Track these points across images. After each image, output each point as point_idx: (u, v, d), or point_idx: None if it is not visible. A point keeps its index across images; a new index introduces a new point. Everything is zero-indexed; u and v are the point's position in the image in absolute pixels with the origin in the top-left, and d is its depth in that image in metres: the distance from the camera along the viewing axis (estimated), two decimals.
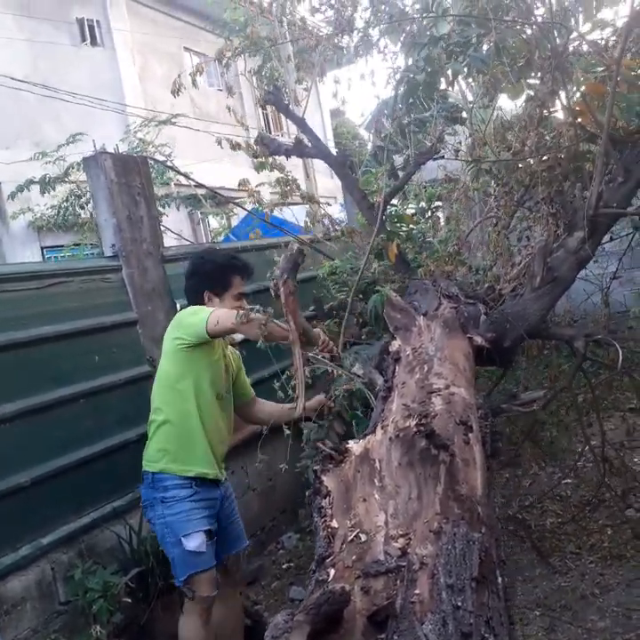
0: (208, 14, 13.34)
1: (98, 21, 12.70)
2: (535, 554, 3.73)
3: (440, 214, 5.33)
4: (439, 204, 5.33)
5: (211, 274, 3.04)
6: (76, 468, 3.37)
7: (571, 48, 3.29)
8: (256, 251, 5.15)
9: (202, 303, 3.00)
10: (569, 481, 4.56)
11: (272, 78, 6.84)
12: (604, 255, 4.95)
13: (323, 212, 5.08)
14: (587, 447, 3.91)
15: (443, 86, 3.59)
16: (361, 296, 4.33)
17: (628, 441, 3.90)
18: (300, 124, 4.04)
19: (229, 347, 3.28)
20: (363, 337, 4.44)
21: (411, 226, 4.54)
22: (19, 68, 10.58)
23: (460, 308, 2.73)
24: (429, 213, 5.20)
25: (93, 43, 12.71)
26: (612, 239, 3.88)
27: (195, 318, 2.83)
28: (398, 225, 4.44)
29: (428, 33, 3.68)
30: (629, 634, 2.98)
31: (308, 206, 5.00)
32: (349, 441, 1.59)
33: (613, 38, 3.19)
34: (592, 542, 3.77)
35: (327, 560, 1.20)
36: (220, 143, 4.52)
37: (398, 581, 1.08)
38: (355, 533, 1.23)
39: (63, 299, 3.55)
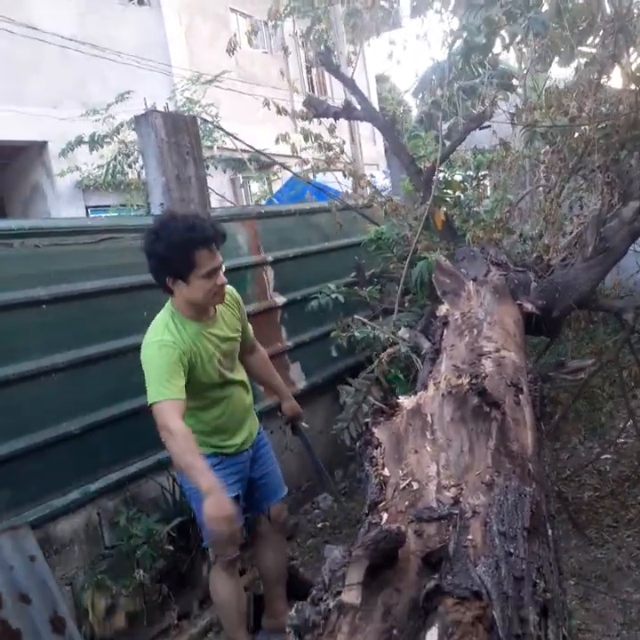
0: None
1: None
2: (571, 525, 3.74)
3: (487, 182, 5.25)
4: (486, 173, 5.25)
5: (165, 256, 2.49)
6: (123, 419, 3.46)
7: (635, 10, 3.17)
8: (300, 214, 5.17)
9: (167, 289, 2.63)
10: (608, 456, 4.54)
11: (321, 40, 6.76)
12: None
13: (366, 181, 5.03)
14: (629, 422, 3.88)
15: (498, 50, 3.49)
16: (404, 263, 4.32)
17: None
18: (350, 85, 4.00)
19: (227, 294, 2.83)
20: (405, 305, 4.44)
21: (458, 193, 4.48)
22: (66, 27, 10.62)
23: (509, 274, 2.71)
24: (477, 181, 5.13)
25: (140, 2, 12.68)
26: None
27: (147, 385, 2.52)
28: (446, 191, 4.39)
29: None
30: None
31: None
32: (400, 396, 1.62)
33: None
34: (630, 517, 3.76)
35: (379, 505, 1.24)
36: (267, 105, 4.50)
37: (451, 527, 1.11)
38: (407, 482, 1.26)
39: (113, 254, 3.62)
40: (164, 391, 2.46)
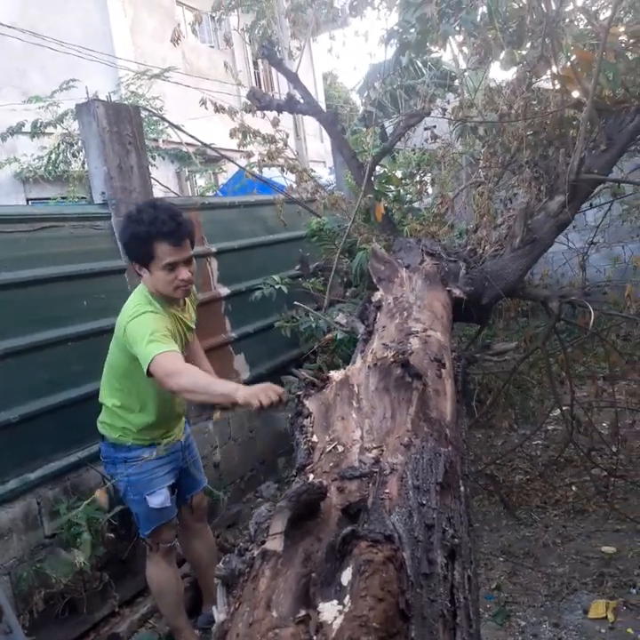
0: None
1: None
2: (503, 507, 3.92)
3: (428, 179, 5.40)
4: (429, 171, 5.40)
5: (129, 243, 2.60)
6: (62, 409, 3.45)
7: (563, 15, 3.34)
8: (244, 207, 5.21)
9: (136, 272, 2.70)
10: (539, 442, 4.75)
11: (265, 35, 6.80)
12: (586, 229, 5.07)
13: (308, 175, 5.10)
14: (557, 410, 4.08)
15: (434, 47, 3.62)
16: (346, 255, 4.42)
17: (596, 402, 4.06)
18: (293, 79, 4.07)
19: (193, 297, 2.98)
20: (346, 295, 4.55)
21: (398, 188, 4.60)
22: (6, 14, 10.35)
23: (441, 263, 2.83)
24: (417, 178, 5.27)
25: None
26: (592, 206, 3.99)
27: (138, 355, 2.48)
28: (386, 186, 4.50)
29: None
30: (586, 579, 3.18)
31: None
32: (331, 371, 1.70)
33: (602, 5, 3.24)
34: (557, 497, 3.97)
35: (307, 468, 1.31)
36: (204, 104, 4.52)
37: (371, 484, 1.19)
38: (333, 445, 1.34)
39: (53, 243, 3.60)
40: (158, 346, 2.41)
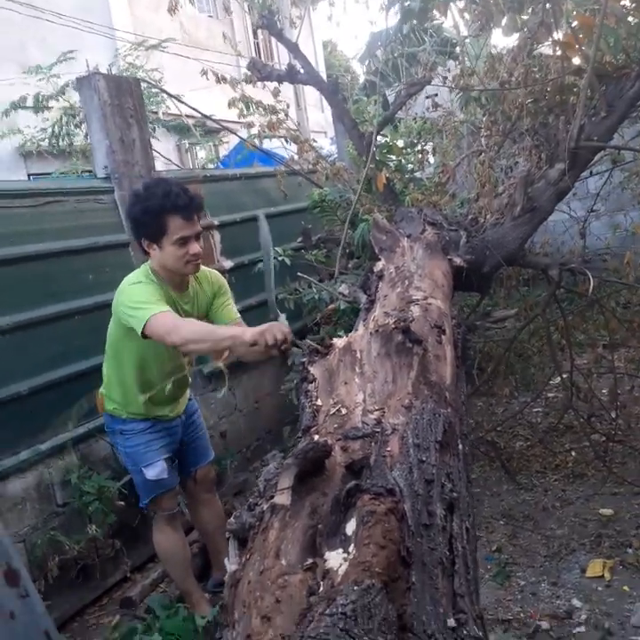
0: None
1: None
2: (503, 472, 4.00)
3: (429, 148, 5.39)
4: (431, 140, 5.38)
5: (140, 219, 2.57)
6: (71, 381, 3.51)
7: None
8: (246, 179, 5.21)
9: (144, 250, 2.68)
10: (540, 409, 4.82)
11: (265, 4, 6.72)
12: (588, 197, 5.07)
13: (309, 145, 5.09)
14: (557, 377, 4.13)
15: (436, 16, 3.60)
16: (349, 226, 4.44)
17: (595, 369, 4.11)
18: (293, 49, 4.05)
19: (206, 272, 2.93)
20: (349, 267, 4.58)
21: (400, 157, 4.60)
22: None
23: (442, 233, 2.86)
24: (419, 147, 5.26)
25: None
26: (592, 174, 3.99)
27: (131, 320, 2.49)
28: (388, 155, 4.50)
29: None
30: (584, 540, 3.27)
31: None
32: (334, 338, 1.75)
33: None
34: (557, 462, 4.04)
35: (312, 429, 1.37)
36: (205, 74, 4.50)
37: (373, 443, 1.25)
38: (336, 408, 1.39)
39: (58, 217, 3.62)
40: (153, 308, 2.42)
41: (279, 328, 2.10)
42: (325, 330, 4.38)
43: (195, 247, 2.58)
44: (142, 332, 2.41)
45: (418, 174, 5.10)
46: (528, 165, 3.07)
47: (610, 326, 3.75)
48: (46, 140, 8.62)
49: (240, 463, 4.64)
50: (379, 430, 1.28)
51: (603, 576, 2.96)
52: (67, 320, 3.56)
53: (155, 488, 2.93)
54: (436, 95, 5.24)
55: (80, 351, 3.58)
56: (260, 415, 4.98)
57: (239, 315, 2.96)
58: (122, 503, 3.46)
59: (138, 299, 2.50)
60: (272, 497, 1.11)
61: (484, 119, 3.62)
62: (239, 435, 4.76)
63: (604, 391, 4.58)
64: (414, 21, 3.72)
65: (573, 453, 4.09)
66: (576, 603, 2.85)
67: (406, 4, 3.31)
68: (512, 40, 3.94)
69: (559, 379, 4.11)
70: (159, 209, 2.50)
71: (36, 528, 3.26)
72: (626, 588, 2.87)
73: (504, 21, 3.85)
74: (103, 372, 2.98)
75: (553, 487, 3.80)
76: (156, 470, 2.88)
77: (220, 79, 4.14)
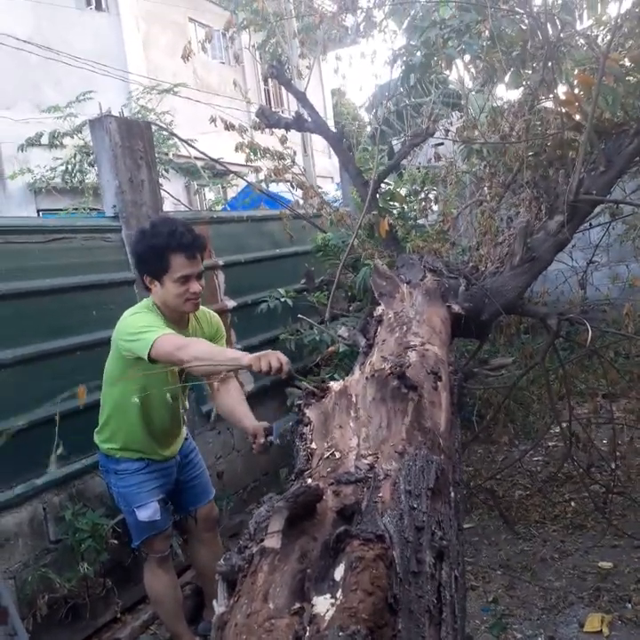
0: None
1: None
2: (502, 521, 3.96)
3: (432, 197, 5.49)
4: (434, 188, 5.49)
5: (144, 255, 2.64)
6: (70, 416, 3.51)
7: (564, 40, 3.43)
8: (252, 221, 5.30)
9: (146, 287, 2.73)
10: (540, 458, 4.80)
11: (275, 54, 6.93)
12: (590, 248, 5.14)
13: (314, 191, 5.19)
14: (558, 426, 4.12)
15: (440, 70, 3.72)
16: (350, 270, 4.50)
17: (594, 418, 4.11)
18: (301, 98, 4.17)
19: (206, 313, 2.98)
20: (350, 309, 4.62)
21: (402, 205, 4.69)
22: (22, 29, 10.56)
23: (442, 280, 2.90)
24: (423, 195, 5.36)
25: (98, 7, 12.69)
26: (591, 226, 4.06)
27: (135, 344, 2.51)
28: (391, 203, 4.59)
29: (432, 17, 3.82)
30: (582, 593, 3.22)
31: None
32: (331, 382, 1.77)
33: (604, 32, 3.33)
34: (556, 513, 4.01)
35: (305, 472, 1.38)
36: (214, 122, 4.62)
37: (365, 488, 1.26)
38: (330, 452, 1.41)
39: (65, 254, 3.68)
40: (157, 330, 2.46)
41: (276, 356, 2.15)
42: (325, 371, 4.41)
43: (195, 286, 2.64)
44: (149, 355, 2.42)
45: (421, 221, 5.19)
46: (528, 216, 3.13)
47: (609, 377, 3.76)
48: (57, 178, 8.80)
49: (236, 505, 4.60)
50: (371, 476, 1.29)
51: (601, 631, 2.91)
52: (68, 355, 3.58)
53: (147, 529, 2.91)
54: (442, 144, 5.36)
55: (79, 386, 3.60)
56: (258, 456, 4.92)
57: None
58: (115, 542, 3.43)
59: (141, 324, 2.55)
60: (262, 540, 1.11)
61: (485, 171, 3.70)
62: (236, 475, 4.73)
63: (604, 441, 4.56)
64: (417, 76, 3.82)
65: (573, 504, 4.06)
66: None
67: (408, 59, 3.42)
68: (516, 93, 4.07)
69: (560, 427, 4.09)
70: (164, 247, 2.56)
71: (27, 565, 3.22)
72: None
73: (508, 77, 3.98)
74: (100, 411, 2.98)
75: (552, 538, 3.76)
76: (148, 511, 2.86)
77: (229, 126, 4.26)
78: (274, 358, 2.13)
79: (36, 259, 3.54)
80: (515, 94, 4.23)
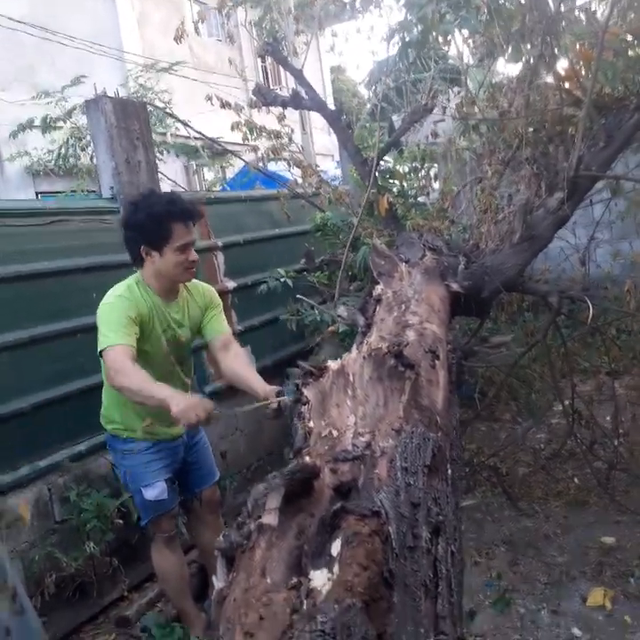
0: None
1: None
2: (505, 498, 3.99)
3: (432, 174, 5.45)
4: (434, 166, 5.45)
5: (145, 224, 2.60)
6: (72, 398, 3.54)
7: (563, 14, 3.38)
8: (250, 201, 5.29)
9: (139, 258, 2.69)
10: (543, 435, 4.81)
11: (272, 30, 6.86)
12: (593, 225, 5.10)
13: (312, 169, 5.16)
14: (560, 404, 4.13)
15: (438, 46, 3.68)
16: (350, 249, 4.49)
17: (596, 395, 4.12)
18: (298, 75, 4.13)
19: (198, 285, 2.98)
20: (350, 289, 4.62)
21: (402, 182, 4.66)
22: (16, 10, 10.43)
23: (441, 258, 2.90)
24: (423, 173, 5.32)
25: None
26: (591, 203, 4.04)
27: (100, 335, 2.54)
28: (391, 181, 4.56)
29: None
30: (585, 568, 3.25)
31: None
32: (329, 361, 1.78)
33: (603, 6, 3.28)
34: (559, 489, 4.03)
35: (303, 451, 1.40)
36: (210, 100, 4.59)
37: (362, 466, 1.27)
38: (328, 431, 1.42)
39: (63, 236, 3.69)
40: (114, 337, 2.49)
41: (202, 407, 2.28)
42: (326, 350, 4.42)
43: (193, 254, 2.68)
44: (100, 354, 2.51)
45: (422, 199, 5.16)
46: (527, 194, 3.12)
47: (611, 354, 3.76)
48: (53, 161, 8.76)
49: (240, 484, 4.64)
50: (368, 453, 1.30)
51: (603, 605, 2.94)
52: (69, 337, 3.60)
53: (154, 509, 2.93)
54: (443, 120, 5.31)
55: (81, 368, 3.62)
56: (261, 436, 4.99)
57: (229, 328, 3.01)
58: (120, 521, 3.48)
59: (107, 320, 2.55)
60: (260, 517, 1.13)
61: (485, 147, 3.67)
62: (240, 455, 4.77)
63: (607, 418, 4.58)
64: (413, 52, 3.78)
65: (576, 480, 4.08)
66: (576, 632, 2.83)
67: (404, 35, 3.38)
68: (516, 68, 4.02)
69: (562, 405, 4.11)
70: (166, 215, 2.57)
71: (33, 544, 3.27)
72: (627, 618, 2.85)
73: (508, 52, 3.94)
74: (103, 392, 2.98)
75: (554, 514, 3.79)
76: (155, 491, 2.88)
77: (225, 105, 4.23)
78: (200, 411, 2.23)
79: (34, 241, 3.54)
80: (515, 69, 4.20)
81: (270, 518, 1.11)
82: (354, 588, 0.94)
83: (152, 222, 2.58)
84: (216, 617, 1.02)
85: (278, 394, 2.45)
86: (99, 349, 2.51)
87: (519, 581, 3.23)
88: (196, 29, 4.08)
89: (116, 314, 2.57)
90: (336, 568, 0.99)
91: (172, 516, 3.05)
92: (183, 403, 2.30)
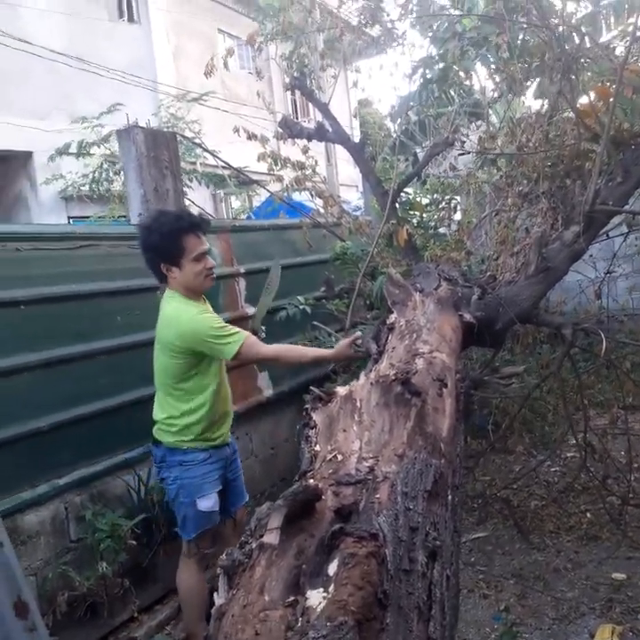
0: None
1: None
2: (516, 531, 3.96)
3: (452, 206, 5.50)
4: (455, 198, 5.50)
5: (159, 245, 2.79)
6: (92, 419, 3.60)
7: (583, 52, 3.45)
8: (273, 230, 5.38)
9: (163, 276, 2.87)
10: (557, 468, 4.77)
11: (302, 64, 7.03)
12: (609, 259, 5.10)
13: (334, 200, 5.24)
14: (573, 437, 4.10)
15: (459, 81, 3.76)
16: (369, 278, 4.55)
17: (610, 429, 4.08)
18: (323, 109, 4.24)
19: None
20: (368, 317, 4.66)
21: (422, 214, 4.72)
22: (56, 41, 10.82)
23: (456, 289, 2.94)
24: (444, 204, 5.38)
25: (130, 19, 12.96)
26: (608, 237, 4.05)
27: (218, 344, 2.74)
28: (411, 212, 4.63)
29: (454, 29, 3.86)
30: (594, 604, 3.21)
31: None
32: (337, 386, 1.82)
33: (623, 43, 3.34)
34: (571, 524, 3.99)
35: (308, 473, 1.43)
36: (237, 131, 4.72)
37: (364, 490, 1.30)
38: (333, 454, 1.45)
39: (92, 260, 3.79)
40: (236, 335, 2.74)
41: (350, 342, 2.75)
42: (343, 377, 4.45)
43: (210, 261, 2.87)
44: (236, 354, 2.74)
45: (442, 230, 5.21)
46: (543, 227, 3.15)
47: (625, 388, 3.74)
48: (87, 185, 9.01)
49: (254, 509, 4.65)
50: (371, 477, 1.34)
51: None
52: (92, 359, 3.67)
53: (205, 521, 2.99)
54: (468, 153, 5.38)
55: (102, 390, 3.69)
56: (275, 461, 5.01)
57: None
58: (133, 542, 3.51)
59: (214, 327, 2.77)
60: (261, 536, 1.16)
61: (502, 181, 3.72)
62: (254, 480, 4.78)
63: (622, 452, 4.52)
64: (434, 88, 3.87)
65: (588, 515, 4.03)
66: None
67: (426, 71, 3.47)
68: (538, 103, 4.08)
69: (575, 438, 4.08)
70: (176, 231, 2.76)
71: (48, 562, 3.31)
72: None
73: (534, 87, 4.02)
74: (158, 415, 3.03)
75: (566, 548, 3.75)
76: (209, 502, 2.96)
77: (251, 136, 4.35)
78: (349, 345, 2.75)
79: (64, 265, 3.64)
80: (537, 104, 4.26)
81: (271, 537, 1.14)
82: (347, 607, 0.96)
83: (165, 240, 2.77)
84: (214, 632, 1.05)
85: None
86: (234, 351, 2.72)
87: (527, 615, 3.19)
88: (225, 65, 4.23)
89: (213, 322, 2.80)
90: (332, 587, 1.02)
91: (212, 535, 3.07)
92: (335, 349, 2.80)
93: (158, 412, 3.04)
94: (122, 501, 3.70)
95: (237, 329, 2.81)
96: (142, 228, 2.95)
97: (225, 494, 3.14)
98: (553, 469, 4.69)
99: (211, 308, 3.06)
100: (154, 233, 2.80)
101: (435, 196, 5.21)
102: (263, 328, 3.28)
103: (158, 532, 3.74)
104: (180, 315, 2.82)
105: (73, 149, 9.07)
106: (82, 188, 9.76)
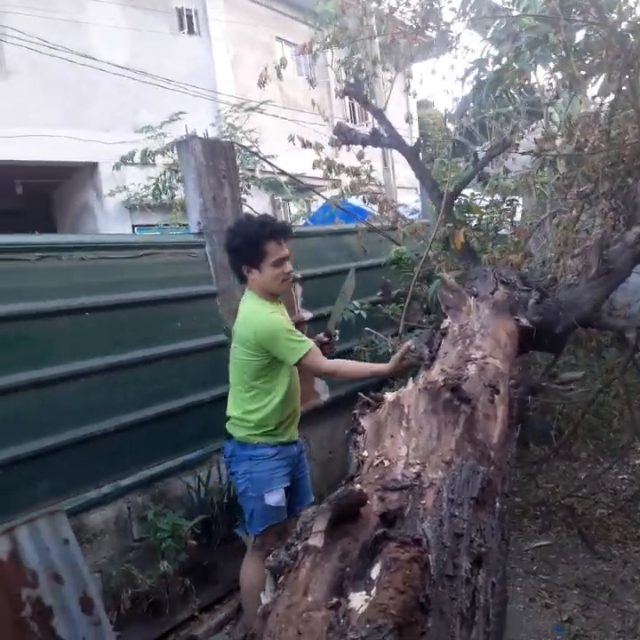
0: (301, 4, 13.64)
1: (196, 11, 13.25)
2: (581, 540, 3.85)
3: (516, 207, 5.40)
4: (518, 199, 5.40)
5: (242, 247, 2.97)
6: (154, 421, 3.72)
7: None
8: (329, 235, 5.42)
9: (243, 276, 3.03)
10: (625, 476, 4.61)
11: (359, 69, 7.05)
12: None
13: (389, 205, 5.23)
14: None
15: (516, 82, 3.70)
16: (425, 282, 4.52)
17: None
18: (378, 114, 4.25)
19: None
20: (423, 322, 4.63)
21: (479, 216, 4.66)
22: (120, 55, 11.20)
23: (513, 293, 2.89)
24: (504, 205, 5.28)
25: (190, 31, 13.27)
26: None
27: (286, 347, 2.88)
28: (467, 215, 4.57)
29: (511, 29, 3.80)
30: None
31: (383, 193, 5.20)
32: (386, 392, 1.83)
33: None
34: (639, 534, 3.84)
35: (355, 478, 1.45)
36: (292, 140, 4.78)
37: (410, 496, 1.31)
38: (380, 460, 1.47)
39: (153, 268, 3.91)
40: (304, 344, 2.88)
41: (402, 355, 2.78)
42: (399, 383, 4.43)
43: (288, 266, 3.00)
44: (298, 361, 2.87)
45: (503, 231, 5.12)
46: (604, 228, 3.06)
47: None
48: (150, 195, 9.28)
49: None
50: (417, 483, 1.34)
51: None
52: (154, 364, 3.79)
53: (273, 516, 3.04)
54: (528, 153, 5.27)
55: (164, 394, 3.80)
56: (332, 465, 5.03)
57: None
58: (194, 542, 3.59)
59: (284, 335, 2.90)
60: (307, 539, 1.19)
61: (561, 182, 3.64)
62: (312, 484, 4.81)
63: None
64: (489, 90, 3.82)
65: None
66: None
67: (481, 74, 3.43)
68: (598, 100, 3.97)
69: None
70: (258, 236, 2.92)
71: (112, 560, 3.43)
72: None
73: (599, 84, 3.91)
74: (237, 403, 3.11)
75: (633, 559, 3.62)
76: (277, 497, 3.02)
77: (306, 144, 4.40)
78: (402, 357, 2.78)
79: (127, 273, 3.77)
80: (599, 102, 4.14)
81: (316, 540, 1.17)
82: (388, 611, 0.98)
83: (248, 244, 2.94)
84: (259, 631, 1.08)
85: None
86: (297, 358, 2.87)
87: (591, 627, 3.10)
88: (279, 75, 4.30)
89: (285, 325, 2.95)
90: (374, 591, 1.04)
91: (278, 531, 3.10)
92: (391, 363, 2.87)
93: (232, 409, 3.13)
94: (182, 502, 3.80)
95: (306, 337, 2.93)
96: (228, 230, 3.14)
97: (291, 493, 3.17)
98: (620, 477, 4.53)
99: (285, 311, 3.17)
100: (238, 236, 2.98)
101: (495, 197, 5.12)
102: (337, 331, 3.36)
103: (217, 532, 3.82)
104: (255, 313, 2.97)
105: (137, 158, 9.38)
106: (144, 198, 10.06)
